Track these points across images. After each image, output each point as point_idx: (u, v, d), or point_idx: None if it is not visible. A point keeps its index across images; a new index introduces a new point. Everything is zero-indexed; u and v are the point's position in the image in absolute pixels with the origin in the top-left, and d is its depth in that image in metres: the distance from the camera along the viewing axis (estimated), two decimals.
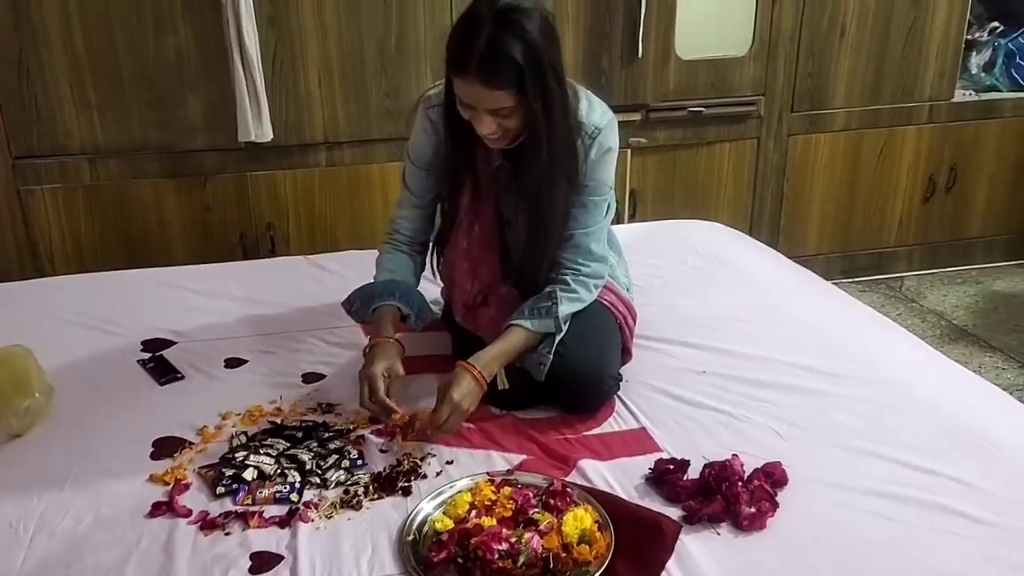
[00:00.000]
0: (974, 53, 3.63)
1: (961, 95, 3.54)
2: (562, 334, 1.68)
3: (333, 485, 1.46)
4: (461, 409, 1.57)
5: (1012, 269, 3.79)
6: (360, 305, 1.78)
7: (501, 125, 1.58)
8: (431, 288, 1.97)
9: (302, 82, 2.85)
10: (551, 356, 1.66)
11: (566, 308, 1.70)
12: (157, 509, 1.39)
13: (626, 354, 1.84)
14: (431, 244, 1.89)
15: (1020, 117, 3.59)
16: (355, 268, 2.30)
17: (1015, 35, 3.59)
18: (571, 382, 1.68)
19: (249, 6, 2.66)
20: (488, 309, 1.78)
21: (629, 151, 3.19)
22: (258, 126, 2.76)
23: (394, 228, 1.85)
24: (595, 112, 1.71)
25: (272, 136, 2.80)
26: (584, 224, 1.74)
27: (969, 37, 3.53)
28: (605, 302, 1.81)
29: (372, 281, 1.81)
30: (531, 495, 1.37)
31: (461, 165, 1.72)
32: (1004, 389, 1.81)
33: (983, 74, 3.63)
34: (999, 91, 3.61)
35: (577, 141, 1.67)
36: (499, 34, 1.50)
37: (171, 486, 1.45)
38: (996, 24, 3.64)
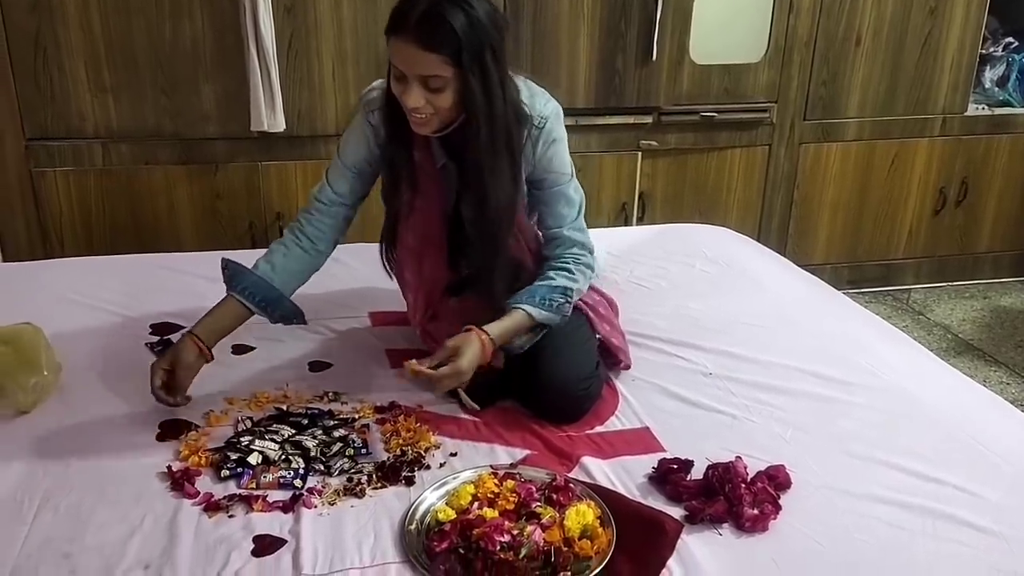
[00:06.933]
0: (988, 67, 3.63)
1: (974, 109, 3.54)
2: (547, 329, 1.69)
3: (337, 472, 1.46)
4: (462, 378, 1.57)
5: (1019, 285, 3.79)
6: (226, 280, 1.71)
7: (430, 101, 1.52)
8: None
9: (316, 72, 2.85)
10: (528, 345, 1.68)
11: (570, 308, 1.70)
12: (171, 477, 1.42)
13: (609, 354, 1.80)
14: (380, 242, 1.84)
15: None
16: (363, 259, 2.30)
17: None
18: (547, 400, 1.66)
19: None
20: (440, 323, 1.75)
21: (640, 153, 3.18)
22: (271, 116, 2.77)
23: (303, 219, 1.75)
24: (538, 101, 1.67)
25: (285, 126, 2.80)
26: (559, 218, 1.73)
27: (983, 51, 3.53)
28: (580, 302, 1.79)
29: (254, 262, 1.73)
30: (534, 489, 1.36)
31: (401, 162, 1.68)
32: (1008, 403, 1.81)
33: (996, 89, 3.63)
34: (1012, 106, 3.61)
35: (524, 131, 1.63)
36: (443, 1, 1.48)
37: (186, 466, 1.45)
38: (1011, 40, 3.63)
